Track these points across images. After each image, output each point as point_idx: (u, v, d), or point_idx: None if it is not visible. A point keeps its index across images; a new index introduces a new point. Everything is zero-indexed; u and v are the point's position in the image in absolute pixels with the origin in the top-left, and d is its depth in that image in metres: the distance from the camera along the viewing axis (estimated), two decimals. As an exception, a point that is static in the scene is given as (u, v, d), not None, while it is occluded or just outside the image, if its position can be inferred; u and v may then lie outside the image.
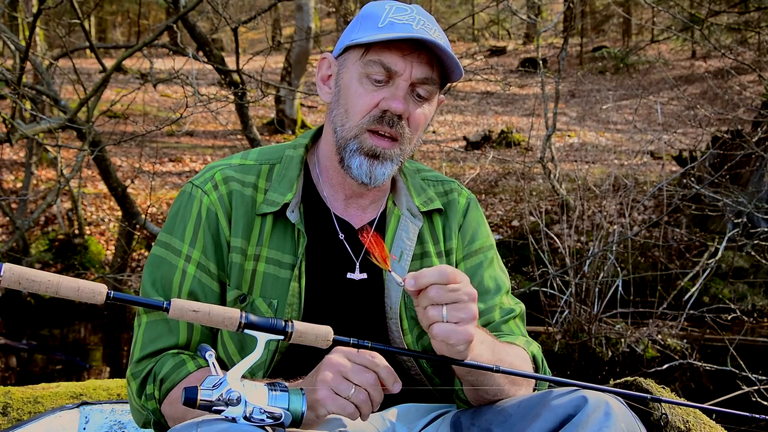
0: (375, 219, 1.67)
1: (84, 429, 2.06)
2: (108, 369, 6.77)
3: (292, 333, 1.26)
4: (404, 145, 1.56)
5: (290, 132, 13.01)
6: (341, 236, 1.62)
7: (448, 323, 1.28)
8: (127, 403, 2.13)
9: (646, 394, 1.60)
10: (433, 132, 14.34)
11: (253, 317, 1.25)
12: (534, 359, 1.60)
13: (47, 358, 6.77)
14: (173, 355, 1.52)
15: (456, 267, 1.68)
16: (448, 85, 1.69)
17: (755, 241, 6.22)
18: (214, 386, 1.21)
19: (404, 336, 1.60)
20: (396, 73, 1.51)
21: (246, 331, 1.25)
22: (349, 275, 1.61)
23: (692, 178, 6.91)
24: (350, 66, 1.55)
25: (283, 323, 1.26)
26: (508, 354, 1.50)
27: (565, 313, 6.20)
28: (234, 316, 1.24)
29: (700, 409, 1.72)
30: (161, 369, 1.50)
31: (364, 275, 1.61)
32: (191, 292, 1.55)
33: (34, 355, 6.87)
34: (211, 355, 1.25)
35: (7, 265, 1.13)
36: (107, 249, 8.97)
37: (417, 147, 1.64)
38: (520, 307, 1.71)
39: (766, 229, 6.24)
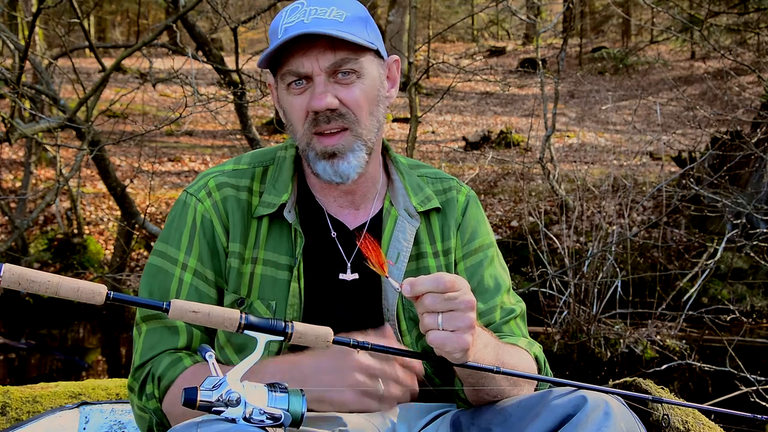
0: (367, 221, 1.66)
1: (84, 429, 2.06)
2: (107, 369, 6.78)
3: (292, 334, 1.26)
4: (357, 129, 1.54)
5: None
6: (333, 234, 1.62)
7: (444, 331, 1.28)
8: (127, 403, 2.13)
9: (647, 395, 1.61)
10: (433, 132, 14.34)
11: (253, 318, 1.25)
12: (536, 360, 1.60)
13: (46, 358, 6.77)
14: (170, 354, 1.53)
15: (455, 266, 1.68)
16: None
17: (754, 242, 6.23)
18: (213, 387, 1.21)
19: (402, 338, 1.60)
20: (307, 73, 1.51)
21: (246, 332, 1.25)
22: (340, 276, 1.61)
23: (691, 179, 6.91)
24: (278, 83, 1.58)
25: (283, 324, 1.26)
26: (512, 356, 1.50)
27: (564, 314, 6.21)
28: (234, 316, 1.24)
29: (700, 409, 1.72)
30: (158, 367, 1.51)
31: (356, 275, 1.61)
32: (188, 299, 1.54)
33: (33, 354, 6.87)
34: (211, 356, 1.25)
35: (6, 266, 1.12)
36: (106, 248, 8.97)
37: (380, 124, 1.59)
38: (520, 306, 1.71)
39: (765, 230, 6.24)
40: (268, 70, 1.61)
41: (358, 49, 1.52)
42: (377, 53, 1.57)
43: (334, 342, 1.29)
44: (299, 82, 1.52)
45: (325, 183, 1.60)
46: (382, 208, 1.67)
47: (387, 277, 1.35)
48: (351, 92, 1.53)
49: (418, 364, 1.41)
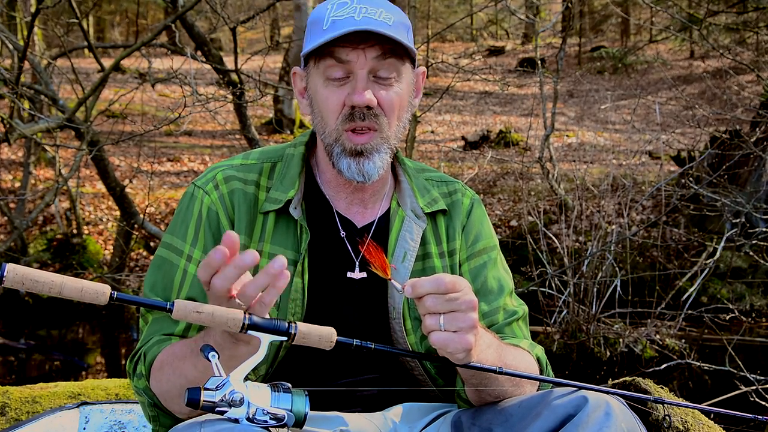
0: (375, 219, 1.67)
1: (84, 429, 2.06)
2: (106, 369, 6.77)
3: (295, 334, 1.27)
4: (385, 132, 1.56)
5: (288, 132, 13.01)
6: (342, 234, 1.63)
7: (446, 332, 1.29)
8: (127, 403, 2.14)
9: (648, 396, 1.61)
10: (432, 132, 14.34)
11: (256, 318, 1.25)
12: (538, 362, 1.60)
13: (45, 358, 6.76)
14: (162, 335, 1.53)
15: (459, 267, 1.69)
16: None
17: (753, 241, 6.23)
18: (217, 387, 1.21)
19: (407, 336, 1.60)
20: (350, 63, 1.52)
21: (249, 332, 1.25)
22: (348, 274, 1.61)
23: (690, 178, 6.92)
24: (313, 74, 1.57)
25: (287, 324, 1.27)
26: (515, 358, 1.50)
27: (564, 313, 6.21)
28: (237, 317, 1.24)
29: (700, 409, 1.72)
30: (148, 348, 1.51)
31: (364, 274, 1.61)
32: (191, 291, 1.55)
33: (33, 354, 6.87)
34: (214, 356, 1.25)
35: (10, 265, 1.12)
36: (105, 249, 8.96)
37: (404, 130, 1.63)
38: (523, 308, 1.71)
39: (764, 229, 6.25)
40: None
41: (402, 54, 1.55)
42: (412, 62, 1.60)
43: (338, 342, 1.29)
44: (341, 80, 1.53)
45: (343, 181, 1.62)
46: (389, 208, 1.68)
47: (390, 280, 1.36)
48: (389, 94, 1.55)
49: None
